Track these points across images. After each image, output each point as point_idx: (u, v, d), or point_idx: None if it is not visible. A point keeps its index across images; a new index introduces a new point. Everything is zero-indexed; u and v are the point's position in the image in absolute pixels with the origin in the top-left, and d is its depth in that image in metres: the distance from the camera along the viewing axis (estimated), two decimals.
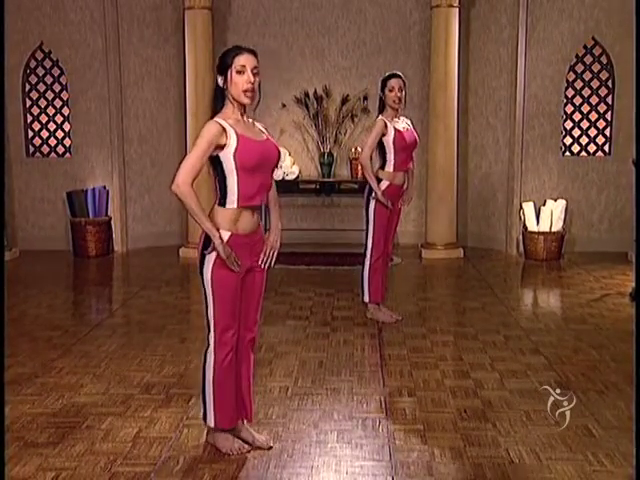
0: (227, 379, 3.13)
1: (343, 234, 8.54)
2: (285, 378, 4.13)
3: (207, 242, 2.99)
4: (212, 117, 2.99)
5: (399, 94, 4.98)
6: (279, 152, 3.12)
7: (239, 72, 2.95)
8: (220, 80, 3.00)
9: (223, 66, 2.99)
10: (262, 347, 4.64)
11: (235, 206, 2.98)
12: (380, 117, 5.04)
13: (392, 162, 5.06)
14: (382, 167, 5.10)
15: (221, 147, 2.93)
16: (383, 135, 5.00)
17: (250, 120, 3.10)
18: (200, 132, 2.94)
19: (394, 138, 5.00)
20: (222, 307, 3.04)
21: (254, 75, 2.96)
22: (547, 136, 7.91)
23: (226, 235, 2.97)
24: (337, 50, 8.48)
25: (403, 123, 5.12)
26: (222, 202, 3.00)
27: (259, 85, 3.01)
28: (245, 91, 2.95)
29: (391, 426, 3.47)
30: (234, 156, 2.93)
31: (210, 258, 2.99)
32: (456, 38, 7.56)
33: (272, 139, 3.13)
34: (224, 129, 2.92)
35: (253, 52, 3.01)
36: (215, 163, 2.97)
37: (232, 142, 2.93)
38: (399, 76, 5.05)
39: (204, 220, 2.92)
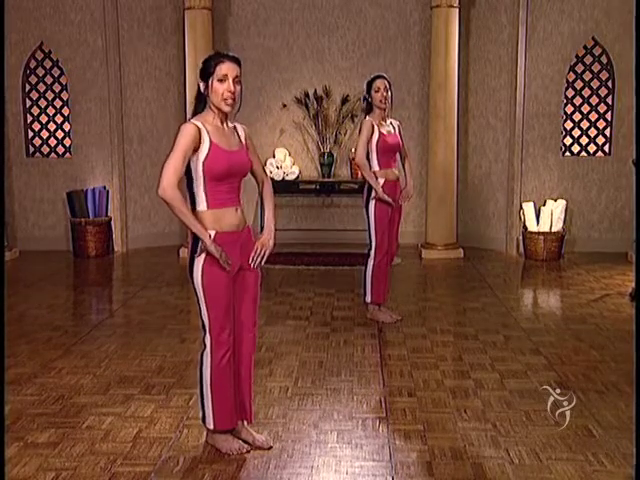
0: (225, 380, 3.12)
1: (343, 234, 8.54)
2: (285, 378, 4.13)
3: (196, 245, 2.98)
4: (191, 119, 3.00)
5: (385, 94, 5.06)
6: (250, 162, 3.12)
7: (220, 80, 2.95)
8: (202, 86, 3.00)
9: (205, 73, 2.99)
10: (262, 347, 4.65)
11: (205, 208, 2.99)
12: (367, 118, 5.13)
13: (376, 163, 5.16)
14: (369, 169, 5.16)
15: (195, 150, 2.93)
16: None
17: (232, 125, 3.10)
18: (177, 134, 2.93)
19: (377, 141, 5.10)
20: (215, 307, 3.03)
21: (235, 84, 2.96)
22: (547, 136, 7.91)
23: (211, 233, 2.96)
24: (337, 50, 8.49)
25: (389, 127, 5.20)
26: (193, 206, 3.01)
27: (240, 93, 3.01)
28: (225, 99, 2.95)
29: (391, 426, 3.47)
30: (203, 163, 2.93)
31: (199, 259, 2.99)
32: (456, 38, 7.57)
33: (245, 149, 3.10)
34: (200, 132, 2.93)
35: (236, 60, 3.00)
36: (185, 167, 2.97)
37: (204, 148, 2.93)
38: (384, 77, 5.16)
39: (193, 222, 2.91)
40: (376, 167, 5.15)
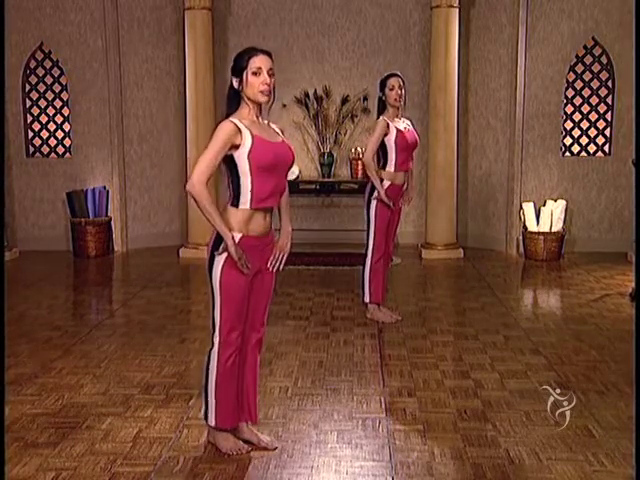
0: (230, 380, 3.12)
1: (343, 234, 8.54)
2: (285, 378, 4.13)
3: (217, 242, 2.97)
4: (226, 118, 2.98)
5: (400, 92, 5.02)
6: (293, 154, 3.12)
7: (255, 73, 2.94)
8: (235, 82, 2.99)
9: (238, 68, 2.98)
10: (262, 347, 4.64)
11: (248, 207, 2.97)
12: (382, 117, 5.07)
13: (393, 162, 5.10)
14: (383, 167, 5.13)
15: (236, 147, 2.92)
16: (385, 135, 5.04)
17: (266, 122, 3.10)
18: (214, 131, 2.92)
19: (396, 138, 5.04)
20: (229, 308, 3.03)
21: (270, 76, 2.97)
22: (547, 136, 7.91)
23: (237, 237, 2.95)
24: (337, 50, 8.49)
25: (404, 123, 5.16)
26: (235, 203, 2.99)
27: (274, 86, 3.00)
28: (262, 91, 2.95)
29: (391, 426, 3.47)
30: (249, 156, 2.92)
31: (220, 259, 2.98)
32: (456, 38, 7.57)
33: (287, 141, 3.12)
34: (239, 129, 2.92)
35: (268, 53, 3.01)
36: (229, 163, 2.96)
37: (247, 142, 2.92)
38: (398, 75, 5.10)
39: (218, 221, 2.89)
40: (392, 168, 5.09)
